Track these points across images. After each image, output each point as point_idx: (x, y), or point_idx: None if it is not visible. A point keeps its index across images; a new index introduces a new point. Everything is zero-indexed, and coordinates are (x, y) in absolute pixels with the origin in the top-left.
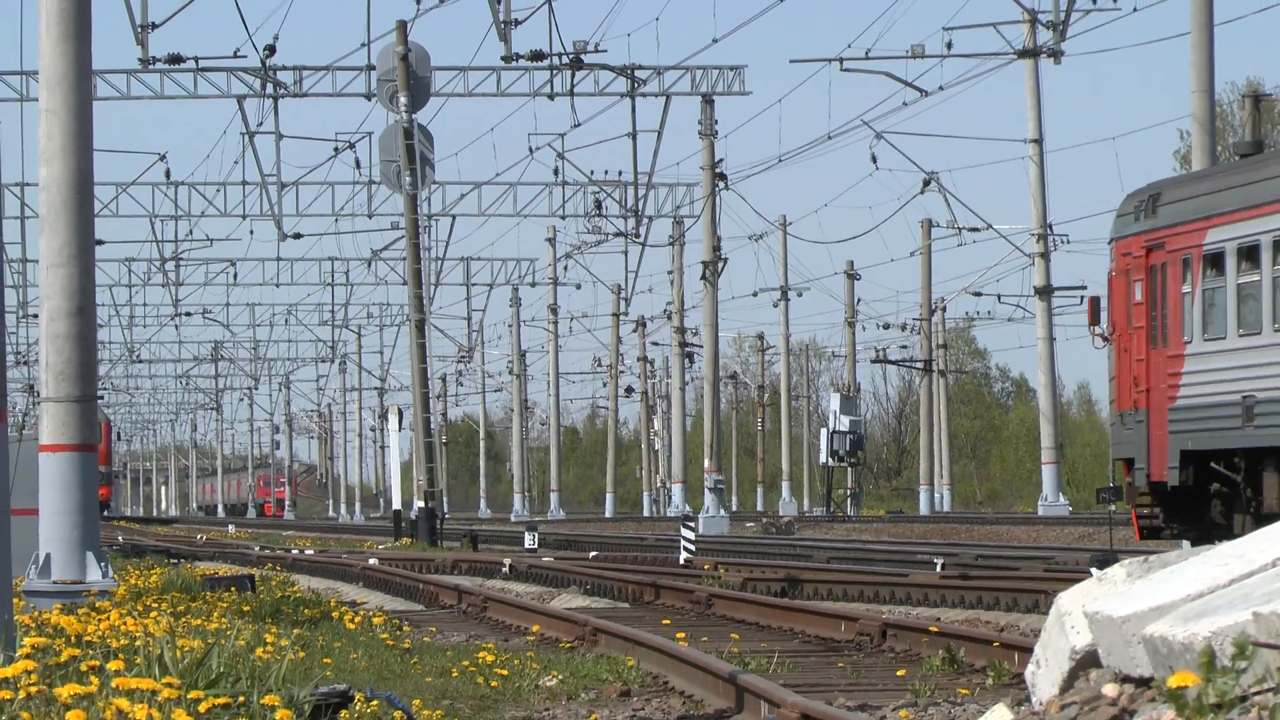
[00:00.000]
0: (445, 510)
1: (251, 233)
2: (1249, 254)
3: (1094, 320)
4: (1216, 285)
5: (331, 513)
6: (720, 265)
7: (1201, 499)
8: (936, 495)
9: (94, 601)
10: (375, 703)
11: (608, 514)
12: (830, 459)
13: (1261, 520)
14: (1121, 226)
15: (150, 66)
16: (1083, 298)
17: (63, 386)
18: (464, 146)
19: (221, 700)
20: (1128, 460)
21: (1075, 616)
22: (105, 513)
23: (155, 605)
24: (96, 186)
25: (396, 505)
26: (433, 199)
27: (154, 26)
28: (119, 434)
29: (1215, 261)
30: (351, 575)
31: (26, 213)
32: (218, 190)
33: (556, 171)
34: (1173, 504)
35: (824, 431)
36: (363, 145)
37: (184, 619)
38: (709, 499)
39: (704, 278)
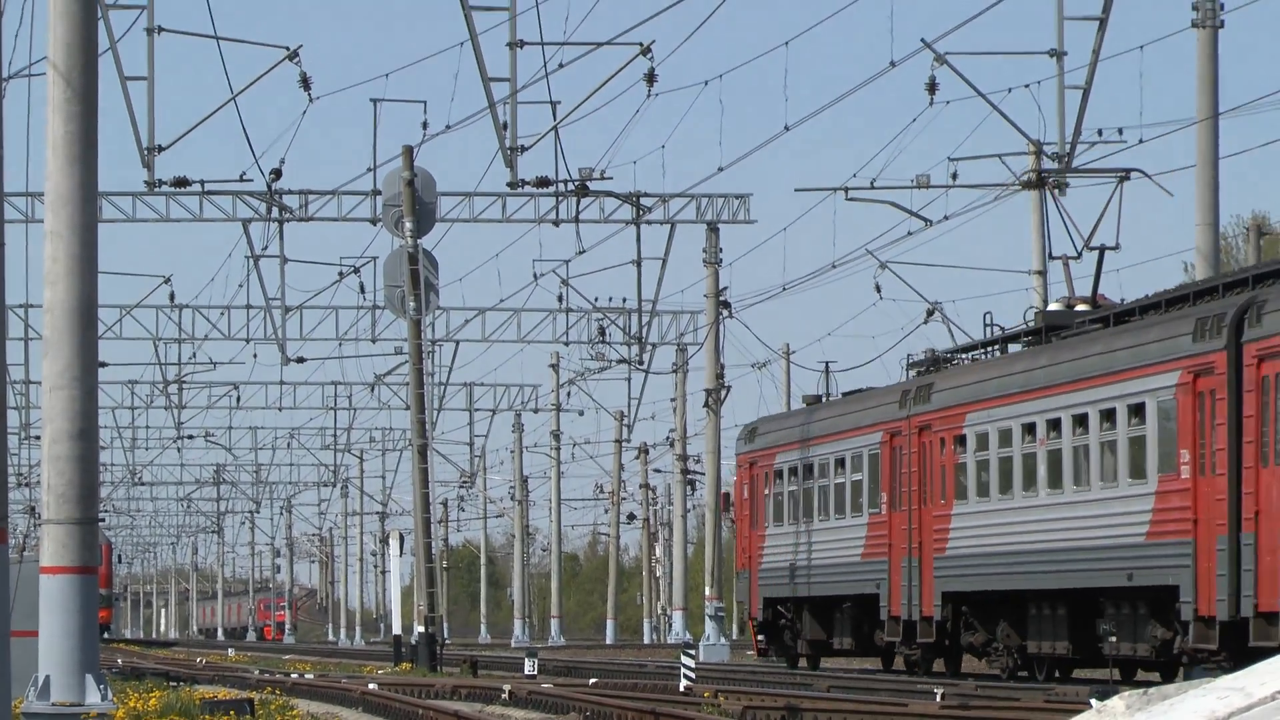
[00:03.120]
0: (446, 635)
1: (255, 356)
2: (793, 472)
3: (725, 509)
4: (780, 490)
5: (331, 637)
6: (723, 393)
7: (779, 629)
8: None
9: None
10: None
11: (608, 640)
12: None
13: (809, 644)
14: (739, 446)
15: (156, 189)
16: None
17: (64, 508)
18: (468, 272)
19: None
20: (742, 603)
21: None
22: (105, 635)
23: None
24: (100, 309)
25: (397, 630)
26: (436, 324)
27: (160, 149)
28: (120, 556)
29: (780, 475)
30: (351, 700)
31: (30, 334)
32: (222, 313)
33: (560, 298)
34: (769, 633)
35: None
36: (367, 270)
37: None
38: (710, 626)
39: (707, 405)
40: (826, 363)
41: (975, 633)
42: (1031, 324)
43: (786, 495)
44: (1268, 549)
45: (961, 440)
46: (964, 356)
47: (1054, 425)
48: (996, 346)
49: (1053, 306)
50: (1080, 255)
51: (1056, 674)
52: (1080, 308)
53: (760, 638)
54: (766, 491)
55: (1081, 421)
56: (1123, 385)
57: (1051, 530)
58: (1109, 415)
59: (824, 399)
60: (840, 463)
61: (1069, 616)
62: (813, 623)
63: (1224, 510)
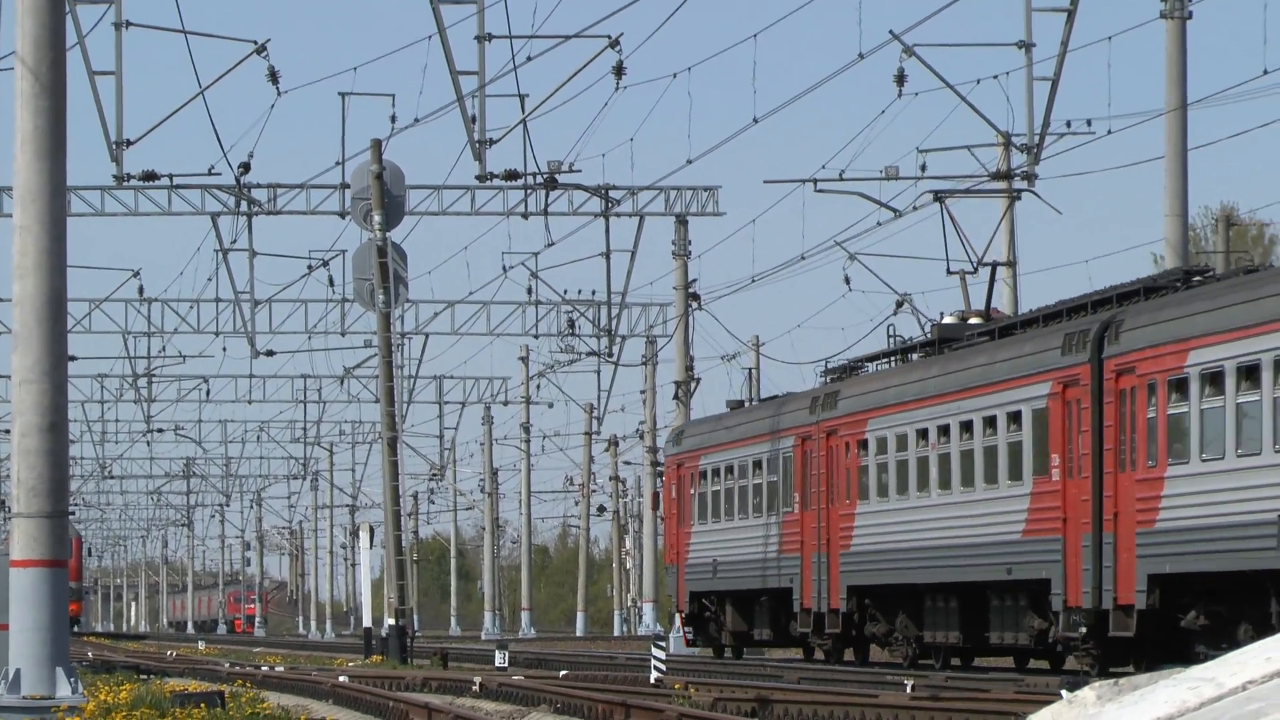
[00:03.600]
0: (416, 628)
1: (224, 350)
2: (717, 472)
3: (655, 506)
4: (704, 490)
5: (302, 630)
6: (693, 385)
7: (705, 621)
8: None
9: (63, 717)
10: None
11: (579, 633)
12: None
13: (732, 635)
14: (668, 448)
15: (124, 183)
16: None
17: (34, 502)
18: (438, 265)
19: None
20: (671, 596)
21: None
22: (75, 628)
23: None
24: (70, 302)
25: (367, 623)
26: (406, 317)
27: (129, 143)
28: (90, 550)
29: (705, 475)
30: (321, 692)
31: None
32: (191, 307)
33: (530, 291)
34: (695, 624)
35: None
36: (336, 263)
37: None
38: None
39: (676, 397)
40: (750, 369)
41: (878, 623)
42: (928, 336)
43: (710, 495)
44: (1124, 547)
45: (864, 444)
46: (871, 365)
47: (944, 431)
48: (898, 356)
49: (948, 319)
50: (976, 270)
51: (956, 661)
52: (974, 320)
53: (688, 629)
54: (692, 491)
55: (968, 428)
56: (1003, 394)
57: (943, 528)
58: (991, 422)
59: (746, 404)
60: (758, 464)
61: (960, 608)
62: (735, 614)
63: (1089, 510)
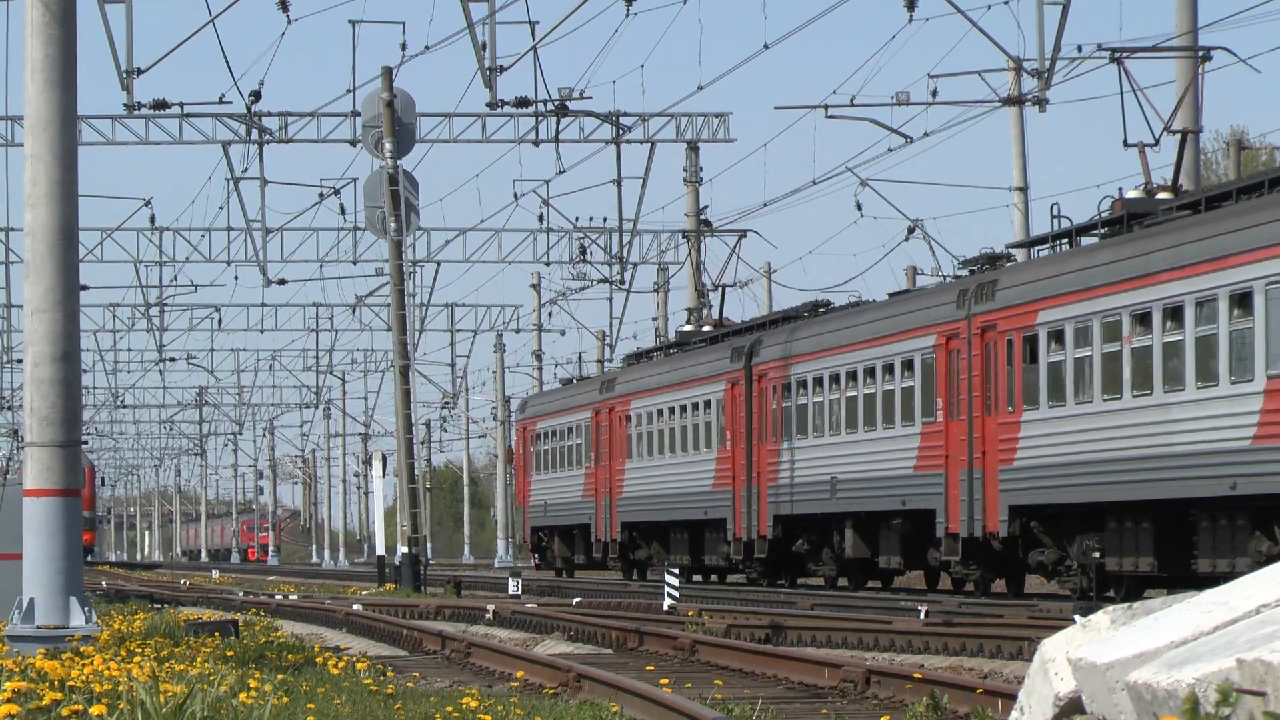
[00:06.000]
0: (429, 556)
1: (236, 278)
2: (547, 435)
3: (509, 461)
4: (539, 448)
5: (315, 558)
6: (704, 312)
7: (544, 550)
8: None
9: (77, 646)
10: None
11: None
12: None
13: (561, 560)
14: (517, 414)
15: (135, 112)
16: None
17: (47, 431)
18: (449, 193)
19: None
20: (523, 529)
21: (1059, 663)
22: (89, 558)
23: (138, 650)
24: (81, 232)
25: (380, 551)
26: (417, 245)
27: (139, 72)
28: (103, 479)
29: (540, 437)
30: (335, 621)
31: (11, 258)
32: (202, 236)
33: (541, 218)
34: (539, 552)
35: None
36: (347, 191)
37: (167, 664)
38: (530, 548)
39: (688, 324)
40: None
41: (640, 549)
42: (670, 340)
43: (543, 452)
44: (766, 496)
45: (629, 418)
46: (647, 356)
47: (672, 411)
48: (663, 351)
49: (686, 328)
50: (737, 285)
51: (711, 579)
52: (706, 328)
53: (535, 556)
54: (533, 449)
55: (683, 409)
56: (697, 388)
57: (670, 480)
58: (695, 406)
59: (575, 381)
60: (569, 430)
61: (689, 539)
62: (560, 544)
63: (745, 472)
